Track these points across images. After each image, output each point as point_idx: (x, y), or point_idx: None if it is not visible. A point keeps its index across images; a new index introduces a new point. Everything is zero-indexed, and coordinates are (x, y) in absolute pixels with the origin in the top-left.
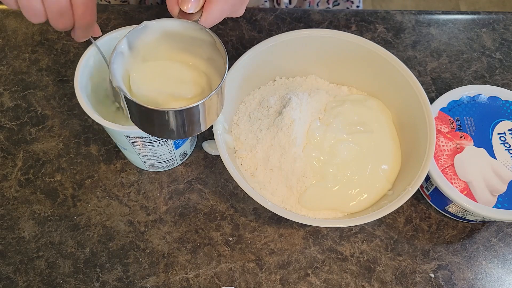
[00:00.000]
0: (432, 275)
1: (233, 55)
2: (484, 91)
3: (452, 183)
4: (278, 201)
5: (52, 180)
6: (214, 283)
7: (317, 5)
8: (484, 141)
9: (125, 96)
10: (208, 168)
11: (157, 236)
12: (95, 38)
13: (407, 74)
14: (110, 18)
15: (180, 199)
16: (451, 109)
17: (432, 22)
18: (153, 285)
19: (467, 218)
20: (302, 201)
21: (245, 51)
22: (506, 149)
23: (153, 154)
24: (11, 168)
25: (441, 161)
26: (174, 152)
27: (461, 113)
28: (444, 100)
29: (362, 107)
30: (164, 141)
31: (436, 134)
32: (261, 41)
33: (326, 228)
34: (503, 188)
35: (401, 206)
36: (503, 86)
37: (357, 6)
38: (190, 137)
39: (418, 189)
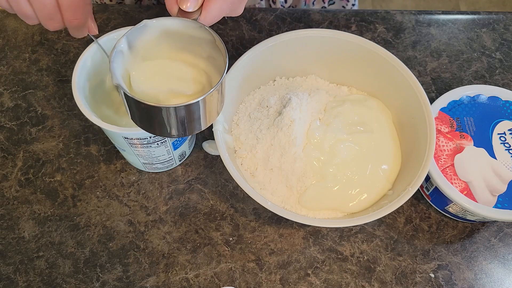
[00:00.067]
0: (432, 275)
1: (233, 55)
2: (484, 91)
3: (452, 183)
4: (278, 201)
5: (52, 180)
6: (214, 283)
7: (313, 4)
8: (484, 141)
9: (125, 94)
10: (208, 168)
11: (157, 236)
12: (97, 36)
13: (407, 74)
14: (110, 18)
15: (180, 199)
16: (451, 109)
17: (432, 22)
18: (153, 285)
19: (467, 218)
20: (302, 201)
21: (245, 51)
22: (506, 149)
23: (151, 155)
24: (11, 168)
25: (441, 161)
26: (173, 153)
27: (461, 113)
28: (444, 100)
29: (362, 107)
30: (162, 142)
31: (436, 134)
32: (261, 41)
33: (326, 228)
34: (503, 188)
35: (401, 206)
36: (503, 86)
37: (353, 5)
38: (189, 138)
39: (418, 189)
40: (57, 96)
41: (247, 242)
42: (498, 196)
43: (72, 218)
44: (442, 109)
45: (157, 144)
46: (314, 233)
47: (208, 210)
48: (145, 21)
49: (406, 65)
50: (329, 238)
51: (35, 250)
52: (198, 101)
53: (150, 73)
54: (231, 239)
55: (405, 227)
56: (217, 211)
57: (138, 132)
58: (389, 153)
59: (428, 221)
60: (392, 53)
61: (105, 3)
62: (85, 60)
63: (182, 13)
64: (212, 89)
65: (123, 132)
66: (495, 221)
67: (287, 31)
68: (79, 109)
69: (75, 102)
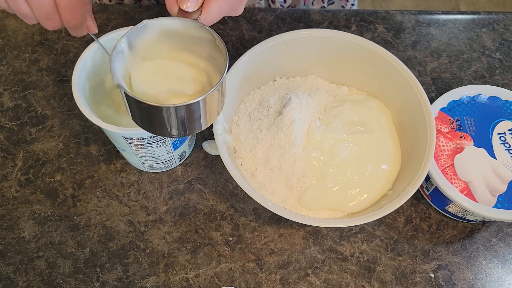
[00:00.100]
0: (432, 275)
1: (233, 55)
2: (484, 91)
3: (452, 183)
4: (278, 201)
5: (52, 180)
6: (214, 283)
7: (312, 3)
8: (484, 141)
9: (125, 94)
10: (208, 168)
11: (157, 236)
12: (97, 36)
13: (407, 74)
14: (110, 18)
15: (180, 199)
16: (451, 109)
17: (432, 22)
18: (153, 285)
19: (467, 218)
20: (302, 201)
21: (245, 51)
22: (506, 149)
23: (151, 155)
24: (11, 168)
25: (441, 161)
26: (173, 153)
27: (461, 113)
28: (444, 100)
29: (362, 107)
30: (162, 142)
31: (436, 134)
32: (261, 41)
33: (326, 228)
34: (503, 188)
35: (401, 206)
36: (503, 86)
37: (352, 5)
38: (189, 138)
39: (418, 189)
40: (57, 96)
41: (247, 242)
42: (498, 196)
43: (72, 218)
44: (442, 109)
45: (157, 144)
46: (314, 233)
47: (208, 210)
48: (145, 21)
49: (406, 65)
50: (329, 238)
51: (35, 250)
52: (199, 100)
53: (150, 73)
54: (231, 239)
55: (405, 227)
56: (217, 211)
57: (138, 132)
58: (389, 153)
59: (428, 221)
60: (392, 53)
61: (104, 3)
62: (85, 60)
63: (182, 13)
64: (213, 89)
65: (123, 132)
66: (495, 221)
67: (287, 31)
68: (79, 109)
69: (75, 102)
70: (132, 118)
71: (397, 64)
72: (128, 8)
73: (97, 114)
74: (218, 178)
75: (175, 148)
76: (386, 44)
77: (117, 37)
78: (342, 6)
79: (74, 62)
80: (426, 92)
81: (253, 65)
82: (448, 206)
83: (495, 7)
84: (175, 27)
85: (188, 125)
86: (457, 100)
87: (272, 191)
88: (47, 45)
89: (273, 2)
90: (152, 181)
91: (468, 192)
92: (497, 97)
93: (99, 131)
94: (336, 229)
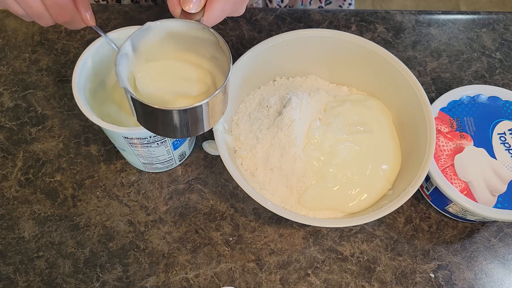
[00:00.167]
0: (432, 275)
1: (233, 55)
2: (484, 91)
3: (452, 183)
4: (278, 201)
5: (52, 180)
6: (214, 283)
7: (310, 3)
8: (484, 141)
9: (131, 97)
10: (208, 168)
11: (157, 236)
12: (105, 31)
13: (407, 74)
14: (110, 18)
15: (180, 199)
16: (451, 109)
17: (432, 22)
18: (153, 285)
19: (467, 218)
20: (302, 201)
21: (245, 51)
22: (506, 149)
23: (151, 155)
24: (11, 168)
25: (441, 161)
26: (173, 153)
27: (461, 113)
28: (444, 100)
29: (362, 107)
30: (162, 142)
31: (436, 134)
32: (261, 41)
33: (326, 228)
34: (503, 188)
35: (401, 206)
36: (503, 86)
37: (349, 4)
38: (189, 138)
39: (418, 189)
40: (57, 96)
41: (247, 242)
42: (498, 196)
43: (72, 218)
44: (442, 109)
45: (157, 144)
46: (314, 233)
47: (208, 210)
48: (148, 23)
49: (406, 65)
50: (329, 238)
51: (35, 250)
52: (202, 104)
53: (155, 74)
54: (231, 239)
55: (405, 227)
56: (217, 211)
57: (138, 131)
58: (389, 153)
59: (428, 221)
60: (392, 53)
61: (106, 2)
62: (85, 60)
63: (185, 15)
64: (218, 91)
65: (123, 131)
66: (495, 221)
67: (287, 31)
68: (79, 109)
69: (75, 102)
70: (138, 120)
71: (397, 64)
72: (128, 8)
73: (98, 114)
74: (218, 178)
75: (175, 148)
76: (386, 44)
77: (117, 37)
78: (340, 6)
79: (74, 62)
80: (426, 92)
81: (253, 65)
82: (448, 206)
83: (495, 7)
84: (178, 29)
85: (193, 126)
86: (457, 100)
87: (272, 191)
88: (47, 45)
89: (270, 2)
90: (152, 181)
91: (468, 192)
92: (497, 97)
93: (99, 131)
94: (336, 229)
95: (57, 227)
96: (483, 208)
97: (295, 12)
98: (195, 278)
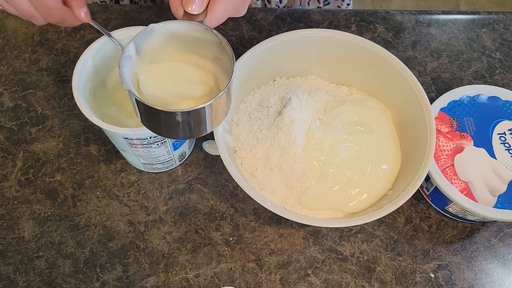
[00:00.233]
0: (432, 275)
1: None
2: (484, 91)
3: (452, 183)
4: (278, 201)
5: (52, 180)
6: (214, 283)
7: (308, 4)
8: (484, 141)
9: (135, 99)
10: (208, 168)
11: (157, 236)
12: (109, 30)
13: (407, 74)
14: (110, 18)
15: (180, 199)
16: (451, 109)
17: (432, 22)
18: (153, 285)
19: (467, 218)
20: (302, 201)
21: (245, 51)
22: (506, 149)
23: (151, 156)
24: (11, 168)
25: (441, 161)
26: (173, 153)
27: (461, 113)
28: (444, 100)
29: (362, 107)
30: (162, 143)
31: (436, 134)
32: (261, 41)
33: (326, 228)
34: (503, 188)
35: (401, 206)
36: (503, 86)
37: (348, 5)
38: (189, 139)
39: (418, 189)
40: (57, 96)
41: (247, 242)
42: (498, 196)
43: (72, 218)
44: (442, 109)
45: (157, 144)
46: (314, 233)
47: (208, 210)
48: (152, 25)
49: (406, 65)
50: (329, 238)
51: (35, 250)
52: (208, 105)
53: (158, 75)
54: (231, 239)
55: (405, 227)
56: (217, 211)
57: (138, 132)
58: (389, 153)
59: (428, 221)
60: (392, 53)
61: (105, 2)
62: (86, 60)
63: (188, 16)
64: (222, 92)
65: (123, 132)
66: (495, 221)
67: (287, 31)
68: (79, 109)
69: (75, 102)
70: (141, 122)
71: (397, 64)
72: (128, 8)
73: (99, 114)
74: (218, 178)
75: (175, 149)
76: (386, 44)
77: (117, 37)
78: (338, 6)
79: (74, 62)
80: (426, 92)
81: (253, 65)
82: (448, 206)
83: (495, 7)
84: (181, 30)
85: (196, 128)
86: (457, 100)
87: (272, 191)
88: (47, 45)
89: (269, 2)
90: (152, 181)
91: (468, 192)
92: (497, 97)
93: (99, 131)
94: (336, 229)
95: (57, 227)
96: (483, 208)
97: (295, 12)
98: (195, 278)
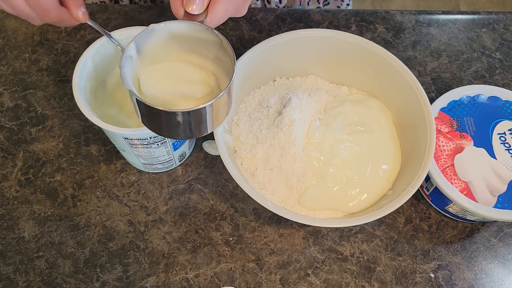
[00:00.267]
0: (432, 275)
1: None
2: (484, 91)
3: (452, 183)
4: (278, 201)
5: (52, 180)
6: (214, 283)
7: (308, 4)
8: (484, 141)
9: (136, 99)
10: (208, 168)
11: (157, 236)
12: (109, 30)
13: (407, 74)
14: (111, 18)
15: (180, 199)
16: (451, 109)
17: (432, 22)
18: (153, 285)
19: (467, 218)
20: (302, 201)
21: (245, 51)
22: (506, 149)
23: (151, 156)
24: (11, 168)
25: (441, 161)
26: (173, 154)
27: (461, 113)
28: (444, 100)
29: (362, 107)
30: (162, 143)
31: (436, 134)
32: (261, 41)
33: (326, 228)
34: (503, 188)
35: (401, 206)
36: (503, 86)
37: (347, 5)
38: (189, 139)
39: (418, 189)
40: (57, 96)
41: (247, 242)
42: (498, 196)
43: (72, 218)
44: (442, 109)
45: (157, 144)
46: (314, 233)
47: (208, 210)
48: (152, 25)
49: (406, 65)
50: (329, 238)
51: (35, 250)
52: (208, 105)
53: (159, 76)
54: (231, 239)
55: (405, 227)
56: (217, 211)
57: (138, 132)
58: (389, 153)
59: (428, 221)
60: (392, 53)
61: (104, 2)
62: (86, 61)
63: (188, 16)
64: (223, 92)
65: (123, 132)
66: (495, 221)
67: (287, 31)
68: (79, 109)
69: (75, 102)
70: (142, 122)
71: (397, 64)
72: (128, 8)
73: (99, 115)
74: (218, 178)
75: (175, 149)
76: (386, 44)
77: (118, 37)
78: (338, 6)
79: (74, 62)
80: (426, 92)
81: (253, 65)
82: (448, 206)
83: (495, 7)
84: (181, 30)
85: (197, 128)
86: (457, 100)
87: (272, 191)
88: (47, 45)
89: (269, 3)
90: (152, 181)
91: (468, 192)
92: (497, 97)
93: (99, 131)
94: (336, 229)
95: (57, 227)
96: (483, 208)
97: (295, 12)
98: (195, 278)
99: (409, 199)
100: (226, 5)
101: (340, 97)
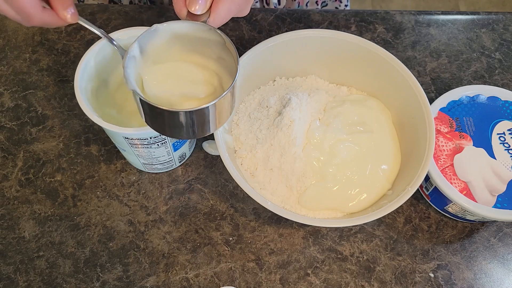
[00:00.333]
0: (432, 275)
1: None
2: (484, 91)
3: (451, 183)
4: (278, 201)
5: (53, 180)
6: (214, 283)
7: (306, 5)
8: (483, 141)
9: (140, 99)
10: (208, 168)
11: (157, 236)
12: (106, 32)
13: (407, 74)
14: (111, 19)
15: (180, 199)
16: (451, 109)
17: (432, 22)
18: (153, 285)
19: (467, 218)
20: (302, 201)
21: (245, 51)
22: (505, 149)
23: (151, 156)
24: (11, 168)
25: (440, 161)
26: (173, 154)
27: (461, 113)
28: (444, 100)
29: (362, 107)
30: (162, 143)
31: (436, 134)
32: (261, 41)
33: (326, 228)
34: (502, 188)
35: (401, 206)
36: (502, 86)
37: (346, 6)
38: (189, 139)
39: (418, 189)
40: (57, 96)
41: (247, 242)
42: (498, 196)
43: (72, 218)
44: (442, 109)
45: (157, 145)
46: (314, 233)
47: (208, 210)
48: (155, 26)
49: (406, 65)
50: (329, 238)
51: (35, 250)
52: (212, 105)
53: (162, 76)
54: (231, 239)
55: (405, 227)
56: (217, 211)
57: (139, 132)
58: (388, 153)
59: (428, 221)
60: (392, 53)
61: (104, 3)
62: (87, 61)
63: (191, 16)
64: (226, 92)
65: (124, 132)
66: (494, 221)
67: (287, 31)
68: (79, 109)
69: (76, 102)
70: (145, 121)
71: (396, 64)
72: (129, 8)
73: (100, 114)
74: (218, 178)
75: (175, 150)
76: (385, 44)
77: (119, 37)
78: (336, 8)
79: (74, 62)
80: (425, 92)
81: (253, 65)
82: (448, 206)
83: (494, 7)
84: (184, 30)
85: (200, 127)
86: (456, 100)
87: (272, 191)
88: (47, 45)
89: (268, 4)
90: (152, 181)
91: (467, 192)
92: (496, 97)
93: (100, 131)
94: (336, 229)
95: (57, 227)
96: (482, 208)
97: (295, 12)
98: (195, 278)
99: (408, 199)
100: (229, 5)
101: (340, 97)
